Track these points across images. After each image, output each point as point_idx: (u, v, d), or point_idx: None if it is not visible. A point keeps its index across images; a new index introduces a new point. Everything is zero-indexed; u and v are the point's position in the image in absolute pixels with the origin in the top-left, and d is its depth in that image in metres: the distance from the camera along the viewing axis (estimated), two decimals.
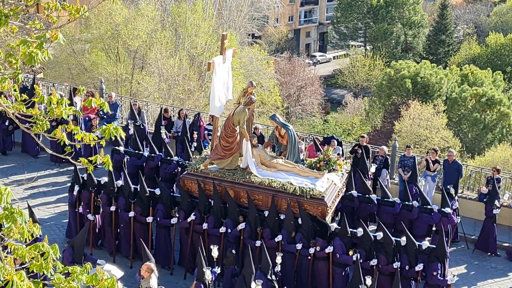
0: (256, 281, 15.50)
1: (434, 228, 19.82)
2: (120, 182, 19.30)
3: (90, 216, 19.15)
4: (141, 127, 24.27)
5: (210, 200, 18.53)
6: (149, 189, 18.99)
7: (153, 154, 21.56)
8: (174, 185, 21.32)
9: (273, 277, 16.55)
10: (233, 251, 17.33)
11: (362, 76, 74.54)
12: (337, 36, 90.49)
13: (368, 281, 16.16)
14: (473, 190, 24.67)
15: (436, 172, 22.91)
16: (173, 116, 26.08)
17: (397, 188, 22.70)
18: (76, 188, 19.31)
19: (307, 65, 73.57)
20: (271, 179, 18.28)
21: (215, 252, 16.37)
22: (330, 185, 18.57)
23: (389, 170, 23.31)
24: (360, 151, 22.61)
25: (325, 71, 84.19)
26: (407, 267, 17.19)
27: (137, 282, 16.08)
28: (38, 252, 8.29)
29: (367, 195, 20.10)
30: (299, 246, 17.65)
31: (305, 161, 19.62)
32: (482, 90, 54.47)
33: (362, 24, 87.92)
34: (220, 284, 17.77)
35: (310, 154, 22.28)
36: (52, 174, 24.17)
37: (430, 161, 22.77)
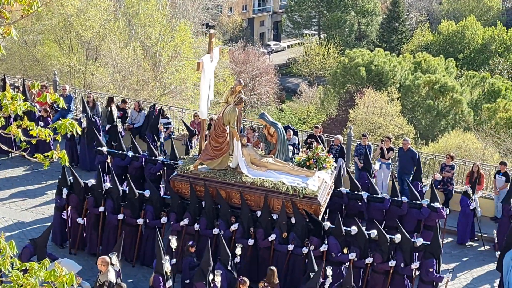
0: (216, 271, 15.59)
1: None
2: (108, 185, 19.02)
3: (79, 220, 18.88)
4: (92, 119, 24.04)
5: (201, 201, 18.35)
6: (138, 191, 18.75)
7: (137, 154, 21.26)
8: (160, 185, 21.06)
9: (233, 267, 16.64)
10: (190, 243, 17.24)
11: (316, 64, 74.81)
12: (291, 25, 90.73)
13: (329, 271, 16.27)
14: (427, 177, 24.96)
15: (390, 160, 23.14)
16: (128, 107, 25.93)
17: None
18: (65, 191, 18.92)
19: (261, 54, 73.54)
20: (263, 179, 18.15)
21: (173, 243, 16.38)
22: (321, 184, 18.49)
23: (345, 159, 23.45)
24: (315, 143, 22.73)
25: (279, 60, 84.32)
26: (402, 265, 17.15)
27: (95, 276, 16.06)
28: None
29: (356, 192, 20.03)
30: (290, 247, 17.56)
31: (293, 159, 19.53)
32: (435, 77, 55.11)
33: (315, 13, 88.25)
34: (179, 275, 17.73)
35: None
36: (4, 168, 23.89)
37: (385, 149, 22.99)
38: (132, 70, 41.89)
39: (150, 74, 42.89)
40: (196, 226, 18.14)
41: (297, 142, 22.73)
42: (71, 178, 19.11)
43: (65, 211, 19.16)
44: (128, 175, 19.77)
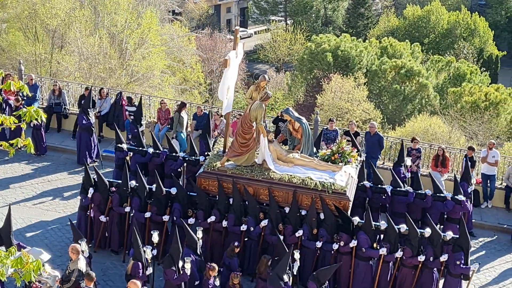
0: (185, 258, 15.68)
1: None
2: (133, 182, 18.72)
3: (102, 218, 18.64)
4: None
5: (229, 198, 18.26)
6: (165, 188, 18.54)
7: (158, 151, 20.96)
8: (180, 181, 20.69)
9: (200, 253, 16.76)
10: (236, 243, 17.14)
11: (283, 50, 74.85)
12: (258, 11, 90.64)
13: (296, 255, 16.37)
14: (393, 161, 25.14)
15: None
16: (95, 95, 25.82)
17: None
18: (91, 190, 18.66)
19: (228, 40, 73.26)
20: (291, 175, 18.08)
21: (155, 238, 16.40)
22: (348, 178, 18.48)
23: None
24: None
25: (246, 47, 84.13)
26: (431, 259, 17.16)
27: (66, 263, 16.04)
28: None
29: (379, 186, 20.01)
30: (319, 244, 17.54)
31: (317, 154, 19.49)
32: (401, 62, 55.48)
33: None
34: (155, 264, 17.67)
35: (233, 130, 22.34)
36: None
37: (352, 134, 23.11)
38: (99, 58, 41.58)
39: (116, 61, 42.61)
40: (224, 223, 18.04)
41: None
42: (95, 176, 18.89)
43: (89, 211, 18.97)
44: (154, 172, 19.46)
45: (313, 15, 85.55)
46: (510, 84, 65.69)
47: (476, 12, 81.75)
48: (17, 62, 29.41)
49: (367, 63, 56.31)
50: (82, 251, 15.86)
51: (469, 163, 22.54)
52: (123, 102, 24.93)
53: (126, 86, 41.06)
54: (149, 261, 16.11)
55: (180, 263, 15.74)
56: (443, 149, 22.98)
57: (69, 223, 17.92)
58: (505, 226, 21.93)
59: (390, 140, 26.35)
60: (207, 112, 24.66)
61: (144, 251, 15.90)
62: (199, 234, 16.83)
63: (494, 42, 79.93)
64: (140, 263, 15.81)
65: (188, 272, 15.70)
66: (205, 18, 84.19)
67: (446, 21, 77.01)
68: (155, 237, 16.41)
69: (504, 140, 45.19)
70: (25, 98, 24.46)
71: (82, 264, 15.44)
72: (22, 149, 8.80)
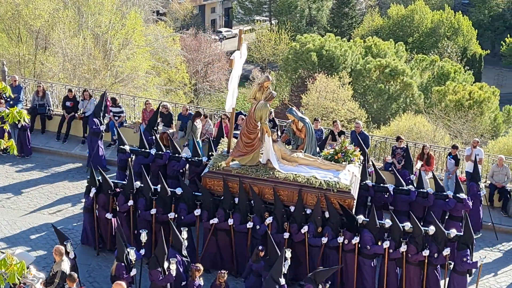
0: (171, 259, 15.67)
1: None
2: (138, 183, 18.66)
3: (108, 215, 18.62)
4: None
5: (234, 197, 18.27)
6: (170, 189, 18.51)
7: (160, 152, 20.85)
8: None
9: (185, 253, 16.72)
10: (260, 247, 17.04)
11: (268, 50, 74.89)
12: (242, 11, 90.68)
13: (288, 254, 16.40)
14: (378, 160, 25.26)
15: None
16: (78, 96, 25.73)
17: None
18: (93, 190, 18.61)
19: (213, 41, 73.36)
20: (296, 174, 18.19)
21: (143, 237, 16.41)
22: (352, 177, 18.60)
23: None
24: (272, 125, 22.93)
25: (231, 47, 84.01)
26: (435, 255, 17.24)
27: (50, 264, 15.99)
28: None
29: (382, 184, 20.12)
30: (324, 240, 17.61)
31: (320, 153, 19.56)
32: (386, 61, 55.68)
33: None
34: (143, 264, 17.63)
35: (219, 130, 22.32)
36: None
37: (336, 133, 23.16)
38: (83, 59, 41.44)
39: (101, 62, 42.48)
40: (230, 221, 18.03)
41: None
42: (99, 178, 18.83)
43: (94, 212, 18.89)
44: (157, 173, 19.48)
45: (298, 15, 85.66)
46: (493, 83, 66.34)
47: (460, 11, 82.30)
48: (0, 64, 29.26)
49: (352, 62, 56.46)
50: (68, 253, 15.82)
51: (453, 161, 22.66)
52: (108, 103, 24.83)
53: (111, 87, 40.94)
54: (133, 262, 16.06)
55: (166, 264, 15.74)
56: (428, 147, 23.06)
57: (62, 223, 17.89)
58: (489, 223, 22.02)
59: (374, 139, 26.42)
60: (192, 113, 24.58)
61: (128, 252, 15.88)
62: (184, 234, 16.82)
63: (478, 41, 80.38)
64: (124, 264, 15.78)
65: (174, 273, 15.70)
66: (189, 19, 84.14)
67: (430, 20, 77.35)
68: (144, 236, 16.42)
69: (488, 138, 45.52)
70: (8, 99, 24.37)
71: (65, 266, 15.39)
72: (7, 150, 8.73)
